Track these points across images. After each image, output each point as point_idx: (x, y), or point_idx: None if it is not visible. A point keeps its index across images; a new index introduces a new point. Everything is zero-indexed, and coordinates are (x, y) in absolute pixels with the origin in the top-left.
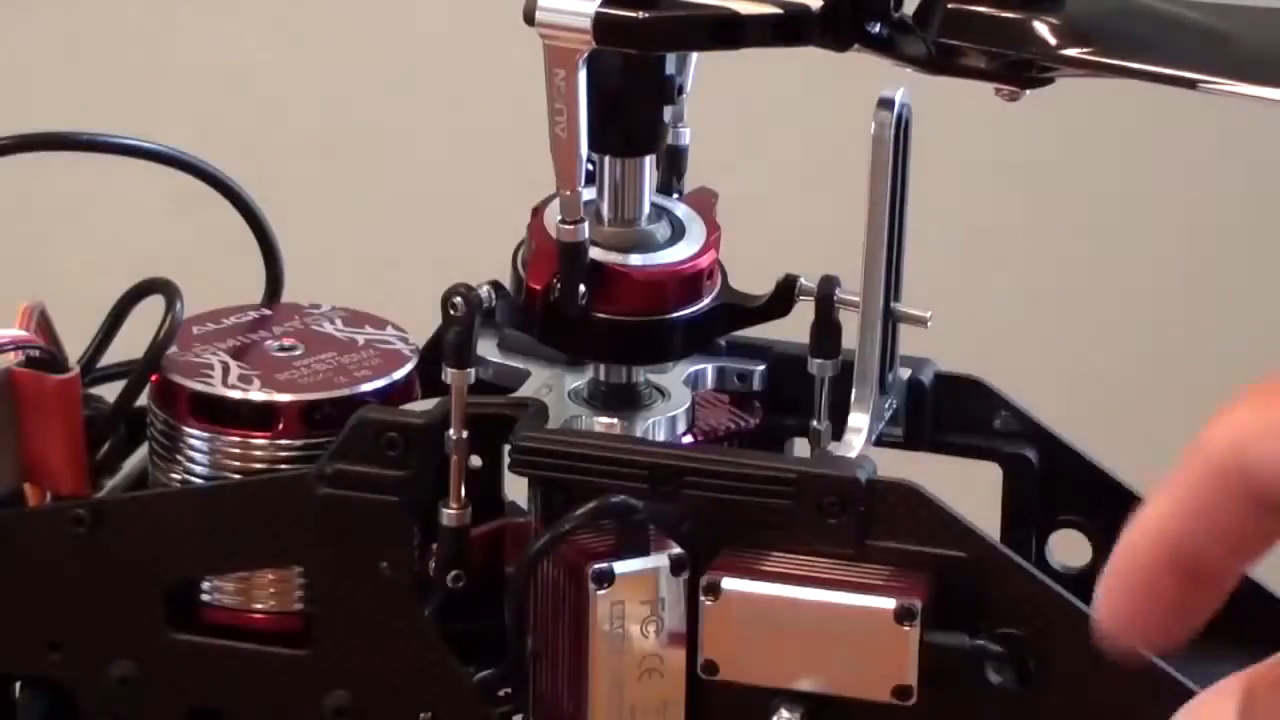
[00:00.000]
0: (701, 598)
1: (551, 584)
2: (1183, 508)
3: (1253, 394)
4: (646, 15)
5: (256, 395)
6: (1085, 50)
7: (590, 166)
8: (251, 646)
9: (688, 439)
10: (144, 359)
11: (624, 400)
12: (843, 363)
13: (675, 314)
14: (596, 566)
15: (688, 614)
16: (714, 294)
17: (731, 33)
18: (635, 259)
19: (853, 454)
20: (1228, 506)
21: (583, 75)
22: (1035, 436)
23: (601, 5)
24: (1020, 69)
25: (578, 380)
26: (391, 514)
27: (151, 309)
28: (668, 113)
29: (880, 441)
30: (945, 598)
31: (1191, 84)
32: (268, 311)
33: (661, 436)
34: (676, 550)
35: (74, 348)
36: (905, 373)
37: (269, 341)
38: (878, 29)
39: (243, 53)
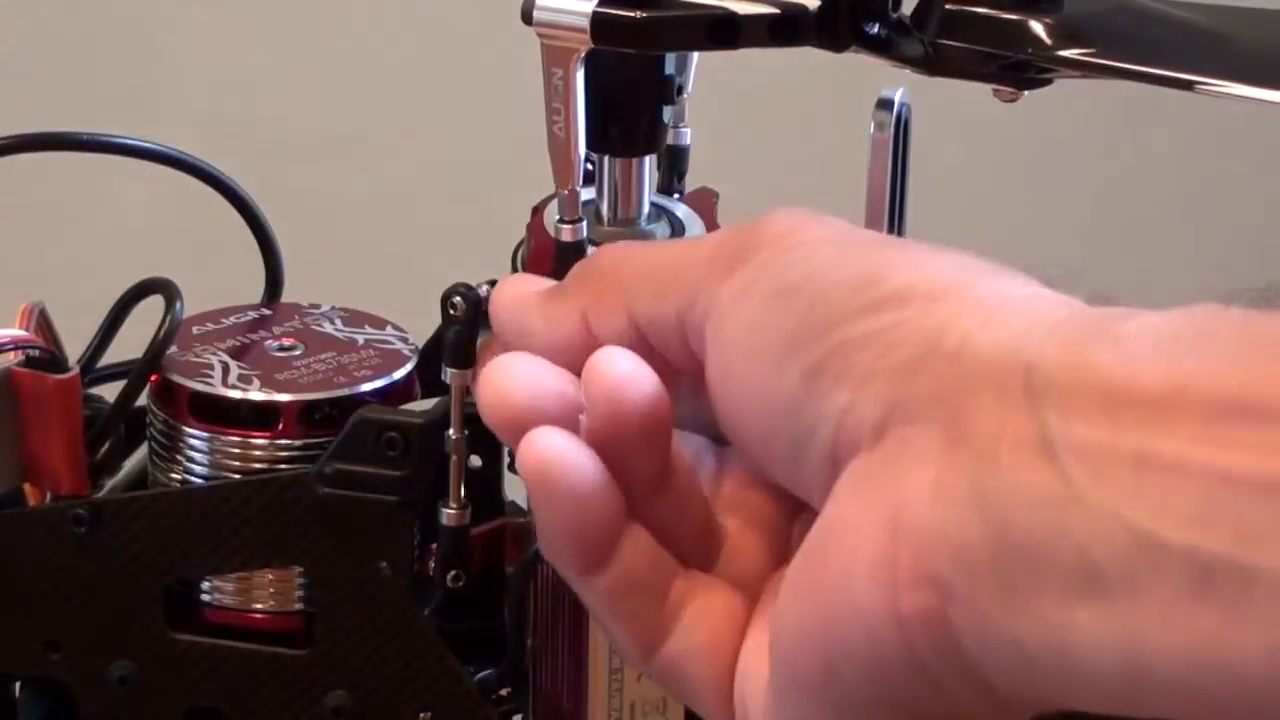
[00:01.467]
0: None
1: (551, 584)
2: None
3: None
4: (644, 15)
5: (256, 395)
6: (1083, 51)
7: (589, 166)
8: (251, 646)
9: None
10: (144, 359)
11: None
12: None
13: None
14: None
15: None
16: None
17: (729, 33)
18: None
19: None
20: None
21: (580, 75)
22: None
23: (599, 5)
24: (1018, 70)
25: None
26: (391, 514)
27: (151, 309)
28: (668, 113)
29: None
30: None
31: (1189, 85)
32: (268, 311)
33: None
34: None
35: (74, 348)
36: None
37: (269, 341)
38: (875, 30)
39: (243, 53)
